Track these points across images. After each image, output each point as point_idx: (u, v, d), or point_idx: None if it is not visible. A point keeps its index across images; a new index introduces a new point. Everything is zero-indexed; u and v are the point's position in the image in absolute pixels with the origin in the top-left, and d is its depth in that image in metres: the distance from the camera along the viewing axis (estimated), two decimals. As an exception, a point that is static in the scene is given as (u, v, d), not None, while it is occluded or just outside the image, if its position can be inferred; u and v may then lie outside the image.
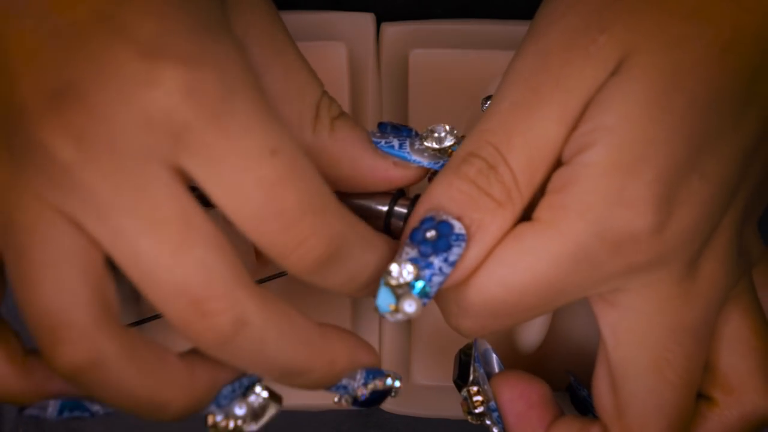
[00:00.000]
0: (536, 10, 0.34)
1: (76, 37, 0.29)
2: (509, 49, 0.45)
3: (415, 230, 0.33)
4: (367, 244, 0.33)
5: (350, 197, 0.36)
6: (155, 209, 0.29)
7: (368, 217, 0.36)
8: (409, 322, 0.45)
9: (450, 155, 0.36)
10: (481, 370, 0.38)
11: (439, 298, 0.34)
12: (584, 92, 0.32)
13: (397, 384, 0.35)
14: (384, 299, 0.32)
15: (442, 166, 0.36)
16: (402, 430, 0.47)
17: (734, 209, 0.33)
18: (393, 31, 0.46)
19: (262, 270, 0.44)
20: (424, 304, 0.33)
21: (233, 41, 0.31)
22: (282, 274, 0.42)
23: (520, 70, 0.33)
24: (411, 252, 0.33)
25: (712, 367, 0.35)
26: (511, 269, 0.32)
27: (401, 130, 0.37)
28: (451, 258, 0.32)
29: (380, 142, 0.36)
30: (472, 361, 0.38)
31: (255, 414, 0.34)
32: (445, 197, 0.33)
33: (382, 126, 0.37)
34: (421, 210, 0.33)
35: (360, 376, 0.34)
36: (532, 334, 0.42)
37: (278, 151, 0.29)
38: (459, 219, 0.33)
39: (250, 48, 0.33)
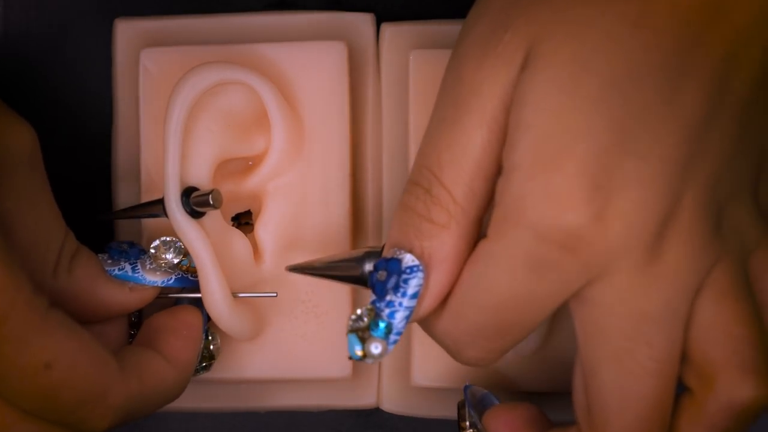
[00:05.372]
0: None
1: None
2: (509, 49, 0.45)
3: (370, 274, 0.34)
4: (157, 376, 0.37)
5: (326, 270, 0.37)
6: None
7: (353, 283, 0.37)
8: (409, 324, 0.45)
9: (181, 268, 0.40)
10: (472, 411, 0.40)
11: (436, 340, 0.35)
12: (499, 93, 0.32)
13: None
14: (352, 346, 0.33)
15: (176, 281, 0.40)
16: (402, 430, 0.47)
17: (694, 186, 0.31)
18: (393, 31, 0.46)
19: (259, 275, 0.44)
20: (394, 342, 0.34)
21: None
22: (271, 294, 0.43)
23: (443, 86, 0.34)
24: (372, 296, 0.34)
25: (688, 357, 0.33)
26: (477, 290, 0.32)
27: (129, 253, 0.40)
28: (411, 291, 0.33)
29: (113, 270, 0.40)
30: (466, 407, 0.41)
31: None
32: (396, 233, 0.34)
33: (111, 251, 0.40)
34: (386, 253, 0.34)
35: None
36: (529, 338, 0.42)
37: (52, 364, 0.33)
38: (411, 251, 0.33)
39: (5, 203, 0.35)
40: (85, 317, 0.39)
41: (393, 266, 0.33)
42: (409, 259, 0.33)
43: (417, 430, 0.47)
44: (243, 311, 0.42)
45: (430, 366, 0.45)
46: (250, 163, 0.44)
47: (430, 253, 0.33)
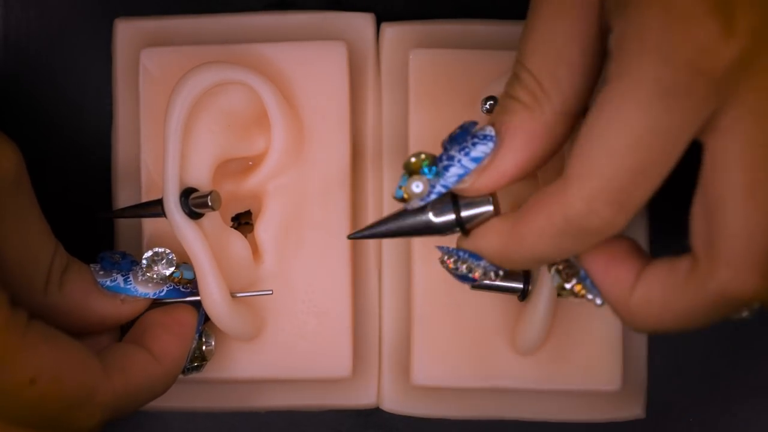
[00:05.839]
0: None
1: None
2: (509, 49, 0.45)
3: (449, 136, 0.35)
4: (143, 372, 0.38)
5: (392, 225, 0.37)
6: None
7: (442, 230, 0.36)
8: (408, 323, 0.45)
9: (173, 280, 0.41)
10: None
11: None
12: None
13: None
14: (399, 186, 0.35)
15: (168, 293, 0.41)
16: (402, 430, 0.47)
17: None
18: (393, 31, 0.46)
19: (259, 275, 0.44)
20: (437, 194, 0.34)
21: None
22: (267, 291, 0.42)
23: None
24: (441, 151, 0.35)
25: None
26: (609, 133, 0.31)
27: (121, 264, 0.40)
28: (474, 154, 0.34)
29: (105, 281, 0.40)
30: None
31: None
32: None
33: (103, 263, 0.40)
34: None
35: None
36: (528, 338, 0.42)
37: (37, 378, 0.34)
38: (492, 124, 0.34)
39: None
40: (78, 330, 0.39)
41: (467, 125, 0.35)
42: (485, 128, 0.34)
43: (417, 430, 0.47)
44: (242, 311, 0.42)
45: (430, 366, 0.45)
46: (250, 163, 0.44)
47: (507, 127, 0.34)
